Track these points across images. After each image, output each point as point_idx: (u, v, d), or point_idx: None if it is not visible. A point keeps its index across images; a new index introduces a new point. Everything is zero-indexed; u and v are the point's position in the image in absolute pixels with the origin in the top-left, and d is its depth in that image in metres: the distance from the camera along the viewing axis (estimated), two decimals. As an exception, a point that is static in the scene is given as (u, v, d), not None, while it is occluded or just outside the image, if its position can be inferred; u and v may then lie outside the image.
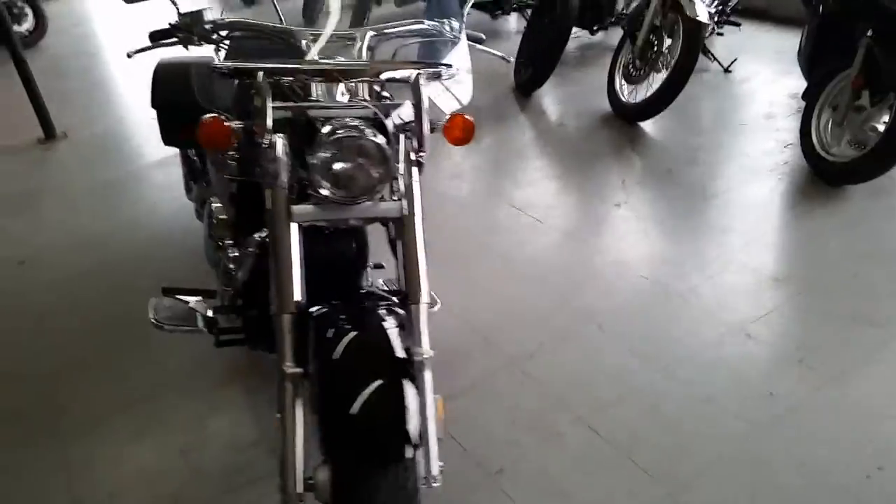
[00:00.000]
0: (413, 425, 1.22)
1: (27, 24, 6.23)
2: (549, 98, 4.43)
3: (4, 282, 2.90)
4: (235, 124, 1.39)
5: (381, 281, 2.10)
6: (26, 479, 1.96)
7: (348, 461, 1.20)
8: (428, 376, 1.39)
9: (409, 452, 1.22)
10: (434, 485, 1.37)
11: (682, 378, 2.13)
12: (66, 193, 3.67)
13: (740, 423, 1.97)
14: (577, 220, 3.08)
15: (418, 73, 1.44)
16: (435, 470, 1.37)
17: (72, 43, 6.64)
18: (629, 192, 3.22)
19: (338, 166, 1.33)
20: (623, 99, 3.97)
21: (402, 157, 1.44)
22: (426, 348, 1.40)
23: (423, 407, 1.36)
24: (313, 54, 1.55)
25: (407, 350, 1.40)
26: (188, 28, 1.56)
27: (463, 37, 1.84)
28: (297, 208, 1.39)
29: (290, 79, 1.47)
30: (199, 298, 1.99)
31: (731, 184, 3.24)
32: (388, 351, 1.28)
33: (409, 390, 1.26)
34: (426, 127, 1.44)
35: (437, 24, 1.79)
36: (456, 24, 1.80)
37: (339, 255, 1.62)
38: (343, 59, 1.58)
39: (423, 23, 1.80)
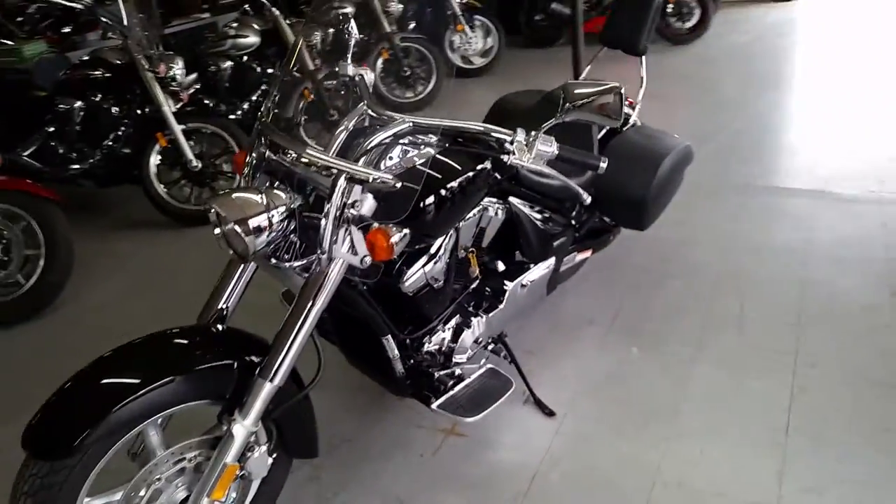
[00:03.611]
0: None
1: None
2: None
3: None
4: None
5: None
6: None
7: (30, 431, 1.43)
8: (233, 445, 1.57)
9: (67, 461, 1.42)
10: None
11: None
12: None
13: None
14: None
15: (339, 173, 1.53)
16: None
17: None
18: None
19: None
20: None
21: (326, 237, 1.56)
22: (248, 422, 1.56)
23: (212, 469, 1.58)
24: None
25: (230, 413, 1.58)
26: None
27: None
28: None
29: None
30: None
31: None
32: (131, 384, 1.47)
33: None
34: (329, 225, 1.55)
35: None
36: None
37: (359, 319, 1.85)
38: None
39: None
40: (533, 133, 1.62)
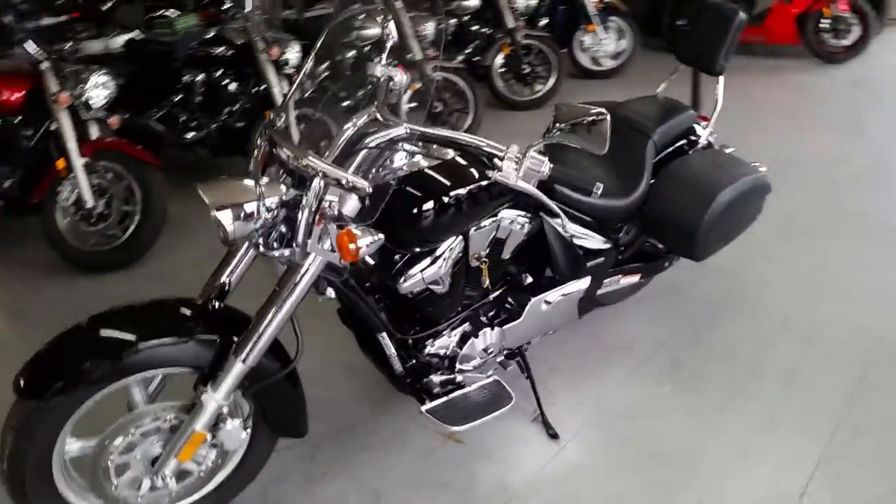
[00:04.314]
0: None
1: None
2: None
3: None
4: None
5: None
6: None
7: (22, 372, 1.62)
8: (202, 414, 1.69)
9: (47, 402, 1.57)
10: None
11: None
12: None
13: None
14: None
15: (315, 171, 1.57)
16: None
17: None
18: None
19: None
20: None
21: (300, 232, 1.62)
22: (219, 396, 1.67)
23: (182, 433, 1.71)
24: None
25: (205, 384, 1.69)
26: None
27: None
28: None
29: None
30: None
31: None
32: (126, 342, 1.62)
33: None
34: (303, 221, 1.60)
35: None
36: None
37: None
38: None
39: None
40: (523, 150, 1.58)
